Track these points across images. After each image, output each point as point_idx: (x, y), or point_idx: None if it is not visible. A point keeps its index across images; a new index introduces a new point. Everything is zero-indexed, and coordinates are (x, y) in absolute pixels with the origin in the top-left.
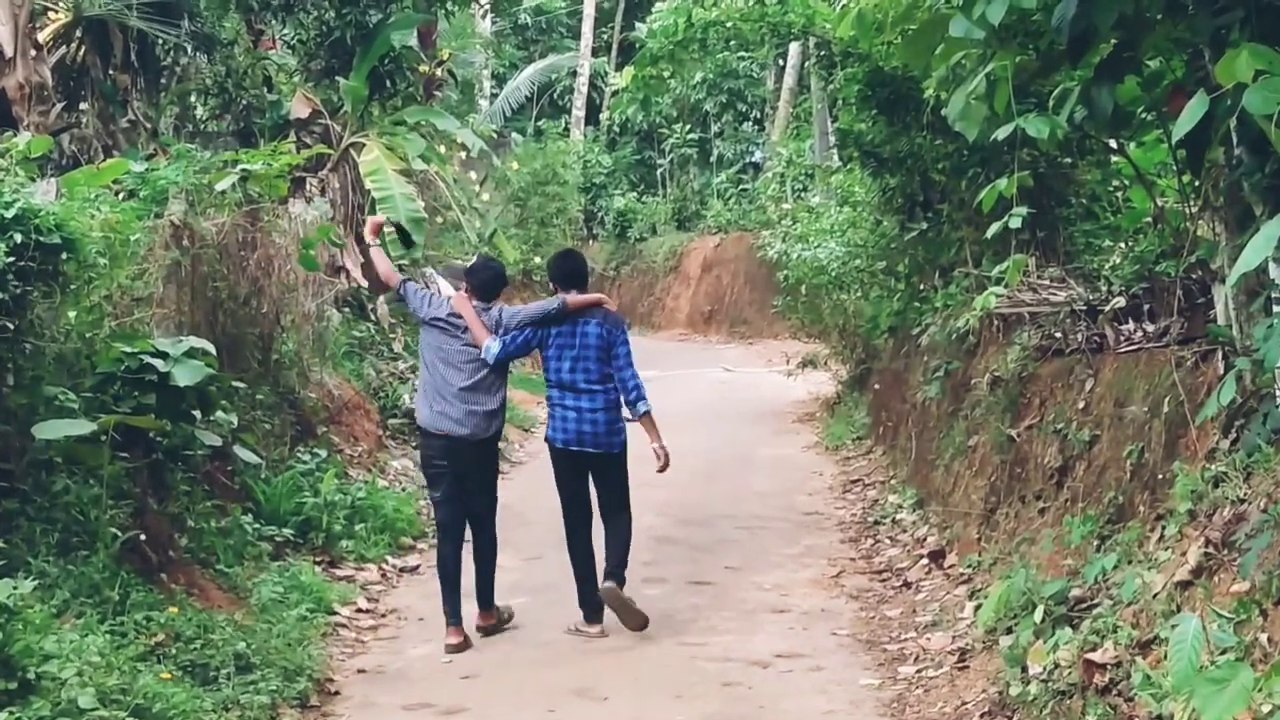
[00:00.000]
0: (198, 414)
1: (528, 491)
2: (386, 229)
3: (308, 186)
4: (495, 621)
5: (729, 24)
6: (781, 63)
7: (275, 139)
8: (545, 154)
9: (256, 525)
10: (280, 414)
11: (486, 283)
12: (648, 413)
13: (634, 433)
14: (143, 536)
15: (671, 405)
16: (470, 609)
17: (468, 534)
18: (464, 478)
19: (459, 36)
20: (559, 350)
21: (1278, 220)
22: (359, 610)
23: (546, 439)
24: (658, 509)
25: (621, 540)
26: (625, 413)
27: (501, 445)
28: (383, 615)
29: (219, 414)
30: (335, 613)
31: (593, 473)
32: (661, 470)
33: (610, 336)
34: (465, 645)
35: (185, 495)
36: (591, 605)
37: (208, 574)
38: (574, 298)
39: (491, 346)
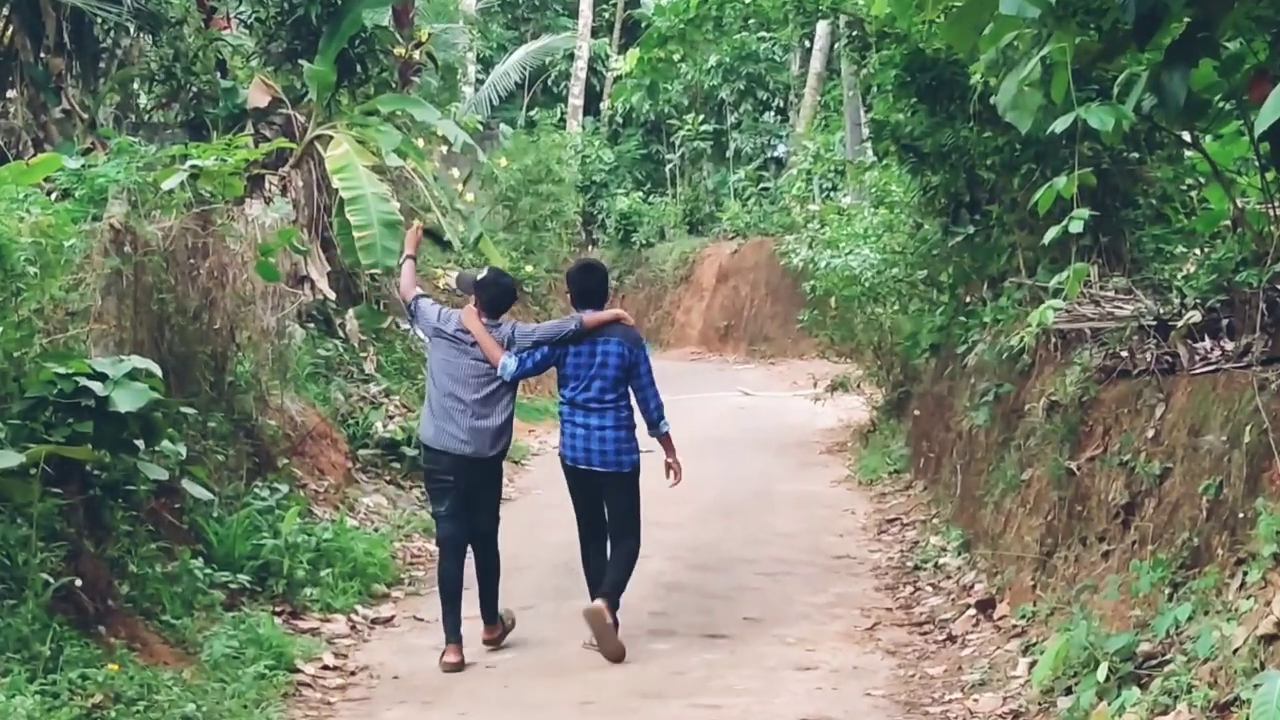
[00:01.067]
0: (141, 444)
1: (519, 531)
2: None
3: (267, 185)
4: (500, 634)
5: None
6: (808, 44)
7: (230, 131)
8: (538, 148)
9: (208, 570)
10: (235, 444)
11: (495, 299)
12: (667, 433)
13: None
14: (78, 583)
15: (682, 434)
16: (476, 627)
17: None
18: (468, 494)
19: (440, 15)
20: (576, 369)
21: None
22: (325, 668)
23: (560, 455)
24: (668, 552)
25: (622, 564)
26: (640, 433)
27: None
28: (352, 673)
29: (165, 444)
30: (298, 670)
31: (602, 491)
32: (674, 484)
33: (631, 355)
34: (462, 665)
35: (127, 536)
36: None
37: (152, 626)
38: (591, 316)
39: (508, 364)
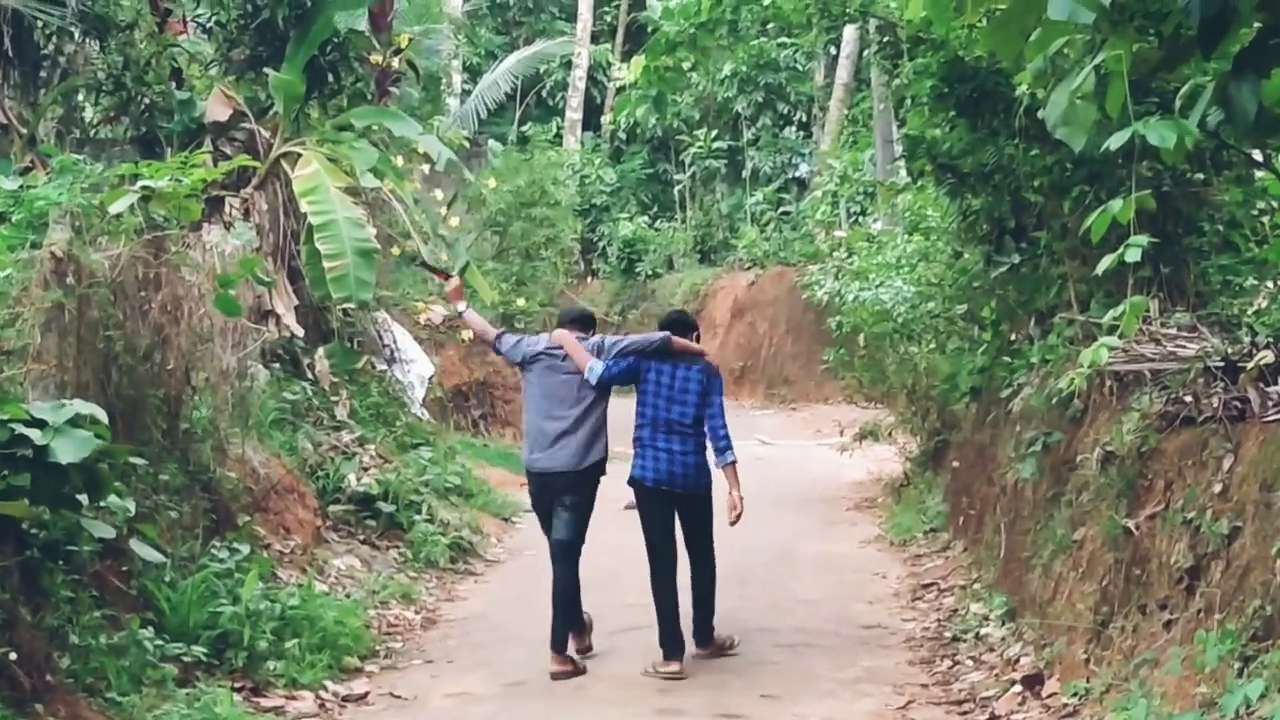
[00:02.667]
0: (84, 499)
1: (509, 598)
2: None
3: (227, 208)
4: (571, 669)
5: (767, 1)
6: (834, 51)
7: (186, 148)
8: (531, 167)
9: (159, 641)
10: (190, 499)
11: (580, 317)
12: (733, 462)
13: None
14: (12, 655)
15: None
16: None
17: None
18: (561, 506)
19: (422, 18)
20: (657, 388)
21: None
22: None
23: (632, 479)
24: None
25: (710, 587)
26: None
27: (475, 540)
28: None
29: (112, 499)
30: None
31: (680, 513)
32: (734, 522)
33: (709, 385)
34: (573, 673)
35: (68, 603)
36: (671, 643)
37: (96, 704)
38: (678, 340)
39: (595, 367)
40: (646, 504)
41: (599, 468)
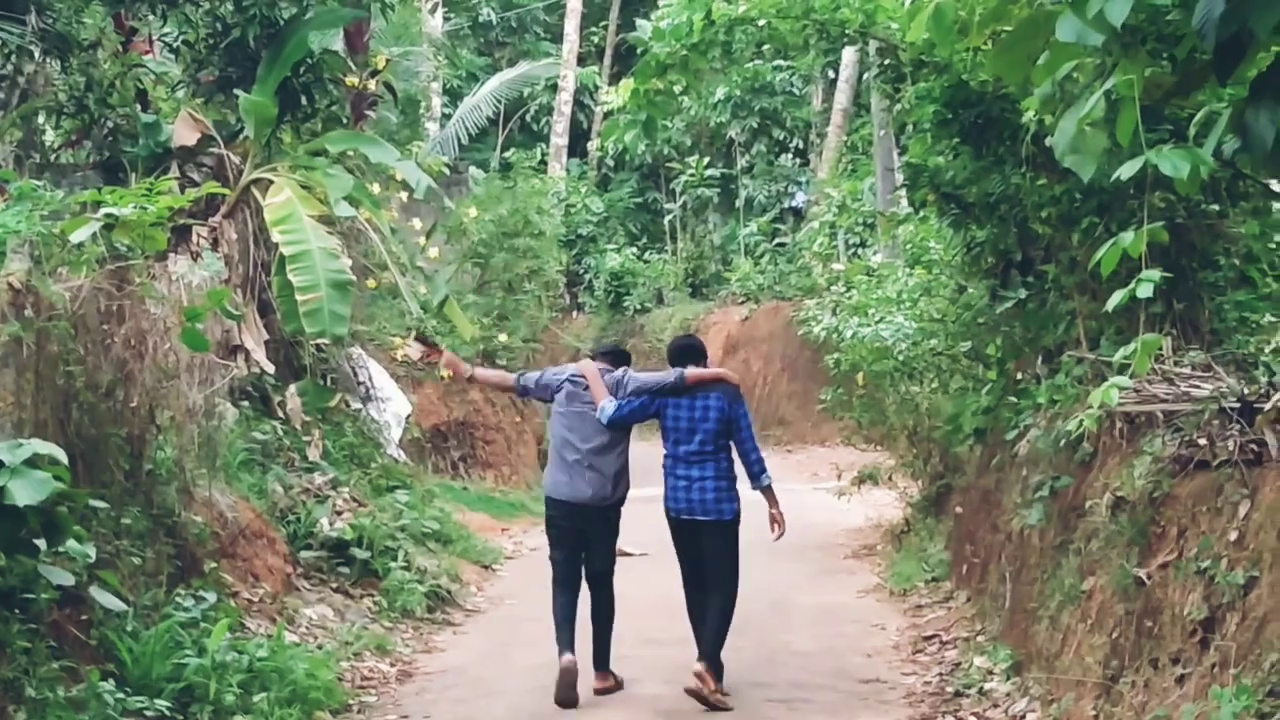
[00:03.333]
0: (42, 544)
1: (489, 650)
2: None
3: (195, 237)
4: (613, 685)
5: (762, 23)
6: (832, 75)
7: (151, 174)
8: (514, 195)
9: (120, 694)
10: (154, 544)
11: (612, 350)
12: (769, 485)
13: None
14: None
15: None
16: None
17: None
18: (585, 538)
19: (400, 38)
20: (676, 422)
21: None
22: None
23: (665, 508)
24: (666, 673)
25: (717, 620)
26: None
27: (454, 589)
28: None
29: (71, 544)
30: None
31: (701, 540)
32: (778, 538)
33: (732, 410)
34: (574, 672)
35: (24, 654)
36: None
37: None
38: (693, 371)
39: (606, 407)
40: (674, 533)
41: (618, 502)
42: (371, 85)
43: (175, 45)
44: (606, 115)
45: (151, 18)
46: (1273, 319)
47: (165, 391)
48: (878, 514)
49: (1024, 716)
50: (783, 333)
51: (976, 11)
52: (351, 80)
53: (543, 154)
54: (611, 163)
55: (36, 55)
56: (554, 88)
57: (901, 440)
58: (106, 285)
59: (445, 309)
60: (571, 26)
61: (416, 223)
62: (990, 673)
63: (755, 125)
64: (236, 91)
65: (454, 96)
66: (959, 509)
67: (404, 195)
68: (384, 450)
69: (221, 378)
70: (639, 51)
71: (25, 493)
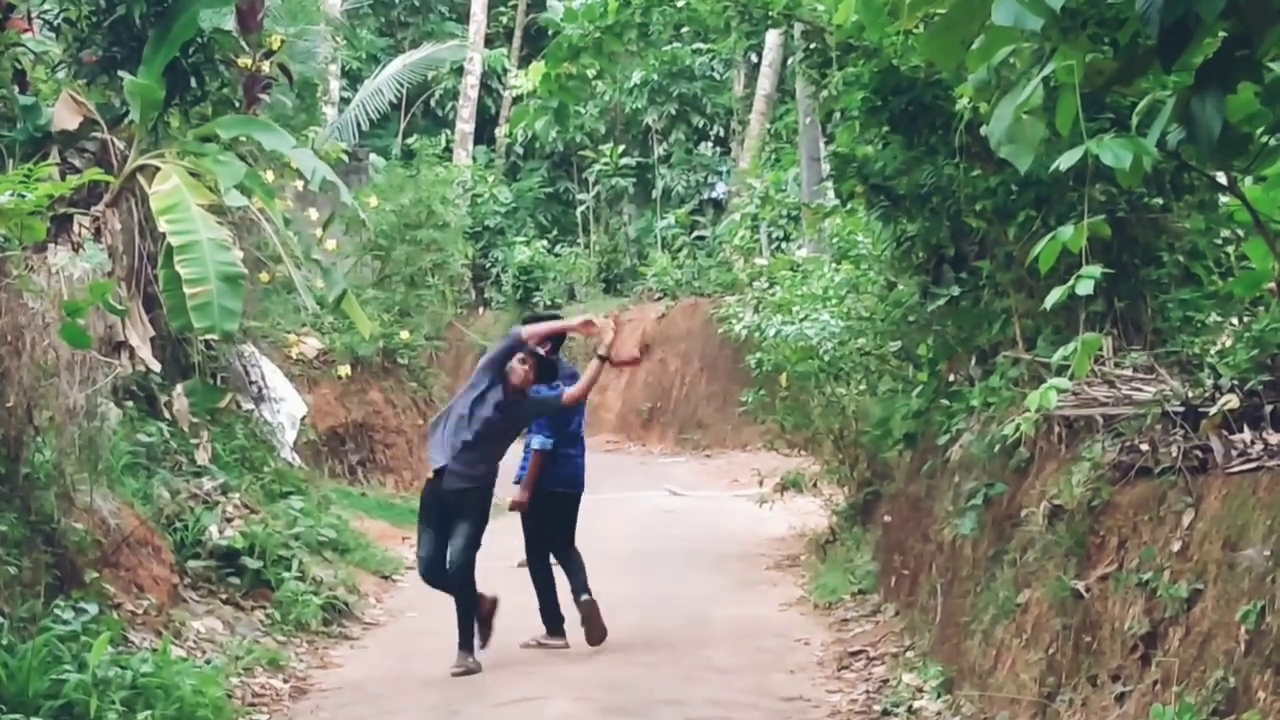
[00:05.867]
0: None
1: (387, 665)
2: None
3: (76, 227)
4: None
5: (681, 3)
6: (755, 59)
7: (30, 159)
8: (417, 184)
9: None
10: (32, 552)
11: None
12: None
13: None
14: None
15: (596, 545)
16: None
17: None
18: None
19: (296, 17)
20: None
21: None
22: None
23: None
24: (577, 691)
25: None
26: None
27: (351, 600)
28: None
29: None
30: None
31: (571, 509)
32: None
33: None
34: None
35: None
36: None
37: None
38: (531, 329)
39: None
40: (550, 508)
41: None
42: (265, 67)
43: (56, 23)
44: (515, 100)
45: None
46: (1218, 318)
47: (44, 390)
48: (801, 523)
49: None
50: (702, 331)
51: None
52: (244, 61)
53: (447, 141)
54: (521, 151)
55: None
56: (460, 71)
57: (827, 445)
58: None
59: (343, 304)
60: (479, 6)
61: (313, 213)
62: (920, 690)
63: (673, 112)
64: (121, 73)
65: (353, 79)
66: (887, 517)
67: (299, 184)
68: (277, 454)
69: (104, 376)
70: (550, 33)
71: None
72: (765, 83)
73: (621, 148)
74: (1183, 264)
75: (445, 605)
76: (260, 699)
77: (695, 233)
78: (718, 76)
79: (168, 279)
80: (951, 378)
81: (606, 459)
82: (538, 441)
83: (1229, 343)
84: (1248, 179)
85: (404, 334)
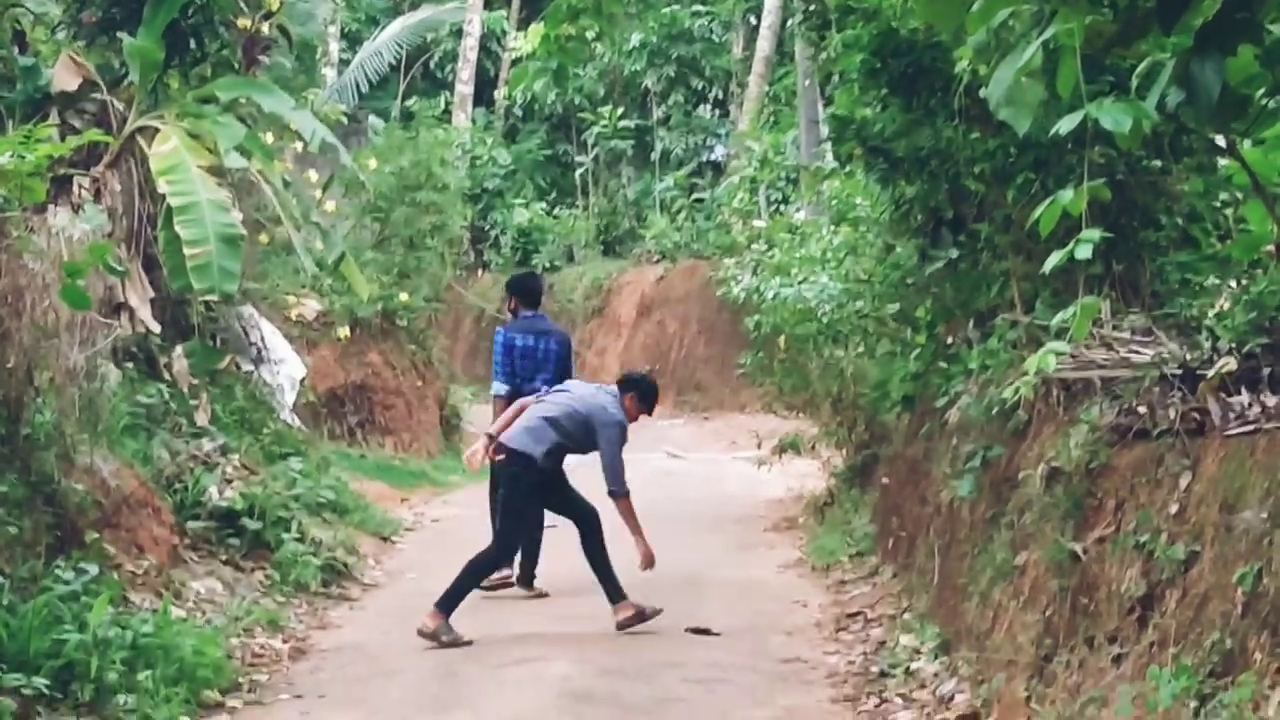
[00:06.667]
0: None
1: (386, 626)
2: None
3: (76, 188)
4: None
5: None
6: (754, 21)
7: (29, 120)
8: (416, 147)
9: None
10: (32, 513)
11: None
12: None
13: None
14: None
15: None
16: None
17: None
18: None
19: None
20: (523, 362)
21: None
22: None
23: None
24: (575, 653)
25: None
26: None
27: (351, 562)
28: None
29: None
30: None
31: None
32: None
33: (565, 353)
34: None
35: None
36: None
37: None
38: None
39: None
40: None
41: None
42: (265, 29)
43: None
44: (515, 62)
45: None
46: (1217, 281)
47: (44, 352)
48: (799, 485)
49: (952, 697)
50: (700, 293)
51: None
52: (243, 23)
53: (447, 103)
54: (520, 113)
55: None
56: (459, 33)
57: (825, 407)
58: None
59: (342, 266)
60: None
61: (312, 175)
62: (917, 652)
63: (672, 74)
64: (121, 34)
65: (353, 41)
66: (885, 480)
67: (299, 146)
68: (277, 415)
69: (104, 337)
70: None
71: None
72: (764, 45)
73: (620, 110)
74: (1181, 227)
75: (445, 566)
76: (260, 659)
77: (694, 195)
78: (717, 39)
79: (167, 240)
80: (950, 340)
81: None
82: (494, 387)
83: (1227, 305)
84: (1247, 141)
85: (403, 296)
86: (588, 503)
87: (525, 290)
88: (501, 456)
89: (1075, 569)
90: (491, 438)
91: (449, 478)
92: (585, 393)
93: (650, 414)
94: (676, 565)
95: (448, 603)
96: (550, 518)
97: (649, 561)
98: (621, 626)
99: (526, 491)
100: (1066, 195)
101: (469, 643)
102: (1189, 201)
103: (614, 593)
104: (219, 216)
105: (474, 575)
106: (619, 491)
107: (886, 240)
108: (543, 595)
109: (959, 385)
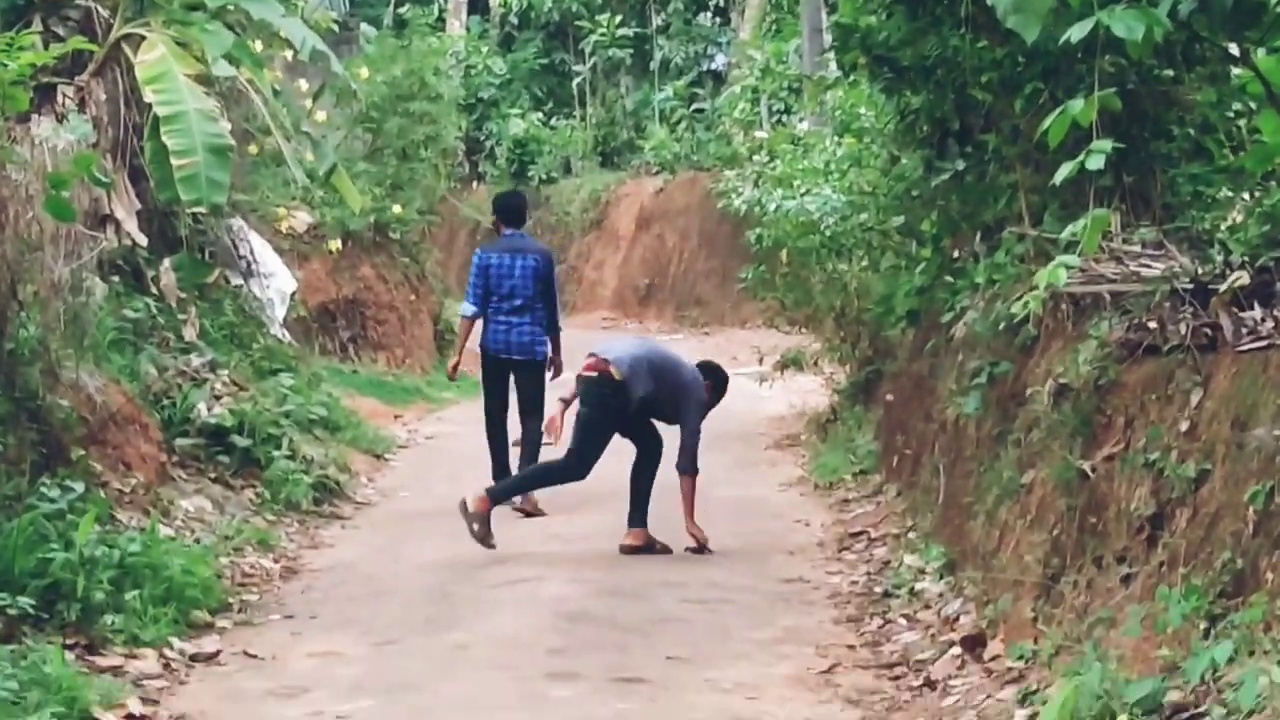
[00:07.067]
0: None
1: (379, 545)
2: None
3: (60, 98)
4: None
5: None
6: None
7: (11, 28)
8: (409, 56)
9: None
10: (17, 429)
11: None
12: (559, 332)
13: None
14: None
15: None
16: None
17: None
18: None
19: None
20: (499, 280)
21: None
22: (130, 717)
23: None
24: (570, 571)
25: (536, 449)
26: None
27: (343, 480)
28: None
29: None
30: None
31: (516, 376)
32: (554, 378)
33: (545, 271)
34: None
35: None
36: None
37: None
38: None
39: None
40: (491, 370)
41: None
42: None
43: None
44: None
45: None
46: (1229, 194)
47: (28, 265)
48: (802, 401)
49: (957, 618)
50: (700, 206)
51: None
52: None
53: (440, 10)
54: (515, 20)
55: None
56: None
57: (828, 322)
58: None
59: (333, 178)
60: None
61: (302, 84)
62: (921, 572)
63: None
64: None
65: None
66: (889, 397)
67: (289, 54)
68: (267, 330)
69: (90, 250)
70: None
71: None
72: None
73: (618, 18)
74: (1193, 138)
75: (439, 485)
76: (250, 579)
77: (694, 105)
78: None
79: (154, 151)
80: (956, 254)
81: (603, 336)
82: (462, 307)
83: (1240, 218)
84: (1261, 50)
85: (396, 208)
86: (660, 438)
87: (506, 208)
88: (594, 374)
89: (1083, 488)
90: (567, 403)
91: (443, 394)
92: (686, 363)
93: (715, 406)
94: (676, 483)
95: (501, 493)
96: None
97: (702, 544)
98: (624, 550)
99: (614, 416)
100: (1076, 105)
101: (493, 547)
102: (1201, 112)
103: (638, 517)
104: (207, 126)
105: (539, 479)
106: (690, 470)
107: (891, 151)
108: (534, 515)
109: (965, 300)
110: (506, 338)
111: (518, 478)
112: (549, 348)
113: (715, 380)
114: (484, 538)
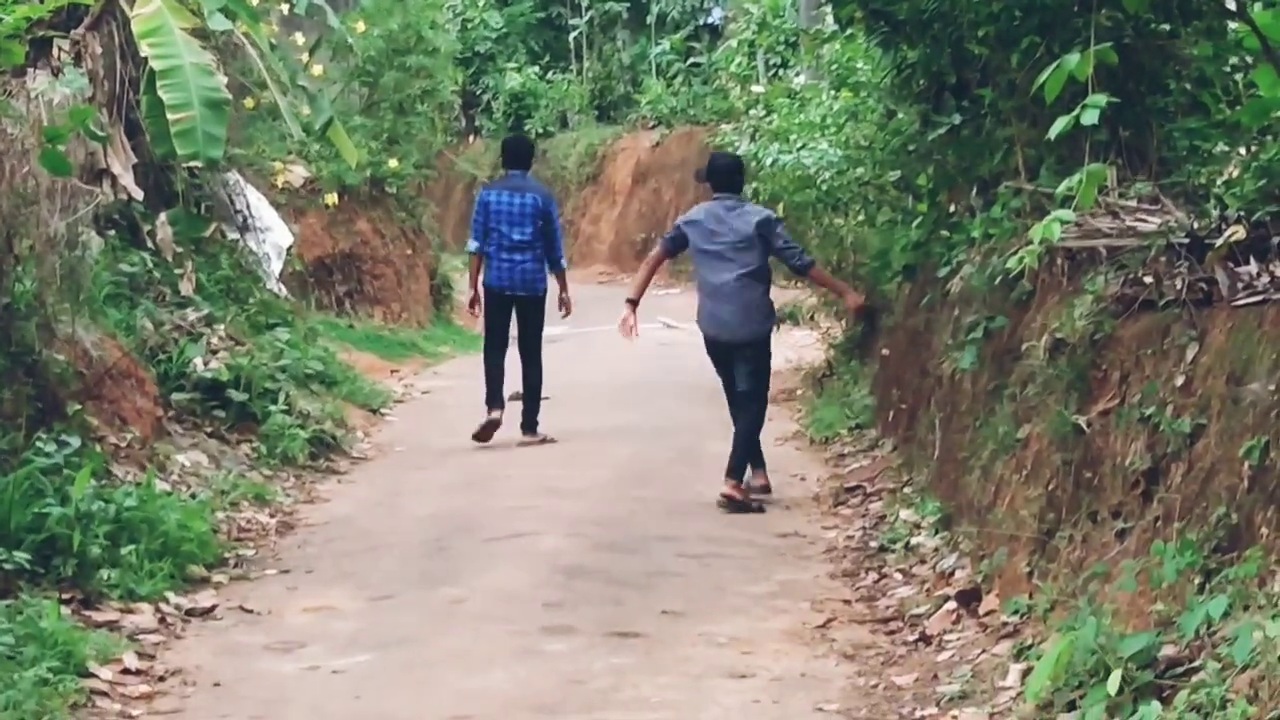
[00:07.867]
0: None
1: (377, 499)
2: None
3: (56, 51)
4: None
5: None
6: None
7: None
8: (405, 9)
9: None
10: (13, 384)
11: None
12: (564, 269)
13: None
14: None
15: (587, 377)
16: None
17: None
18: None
19: None
20: (498, 218)
21: None
22: (126, 671)
23: (488, 286)
24: (567, 526)
25: (536, 382)
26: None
27: (339, 434)
28: (161, 678)
29: None
30: (91, 674)
31: (518, 311)
32: (565, 316)
33: (546, 209)
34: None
35: None
36: (493, 399)
37: None
38: (819, 273)
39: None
40: (493, 306)
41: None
42: None
43: None
44: None
45: None
46: (1225, 148)
47: (24, 219)
48: (797, 356)
49: (953, 572)
50: (697, 160)
51: None
52: None
53: None
54: None
55: None
56: None
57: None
58: None
59: (329, 132)
60: None
61: (299, 38)
62: (917, 526)
63: None
64: None
65: None
66: (885, 351)
67: (285, 7)
68: (263, 284)
69: (85, 204)
70: None
71: None
72: None
73: None
74: (1190, 92)
75: (435, 440)
76: (246, 534)
77: (690, 59)
78: None
79: (150, 105)
80: (952, 208)
81: (600, 290)
82: (468, 244)
83: (1236, 173)
84: (1257, 4)
85: (392, 162)
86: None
87: (510, 150)
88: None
89: (1079, 442)
90: (634, 303)
91: (439, 348)
92: (736, 223)
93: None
94: (672, 437)
95: (739, 471)
96: (546, 389)
97: (859, 309)
98: (724, 499)
99: (769, 358)
100: (1072, 59)
101: (768, 491)
102: (1198, 66)
103: (737, 470)
104: (203, 80)
105: (751, 440)
106: (807, 264)
107: (888, 105)
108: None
109: (961, 254)
110: (510, 274)
111: (737, 451)
112: (551, 284)
113: (714, 179)
114: (763, 488)
